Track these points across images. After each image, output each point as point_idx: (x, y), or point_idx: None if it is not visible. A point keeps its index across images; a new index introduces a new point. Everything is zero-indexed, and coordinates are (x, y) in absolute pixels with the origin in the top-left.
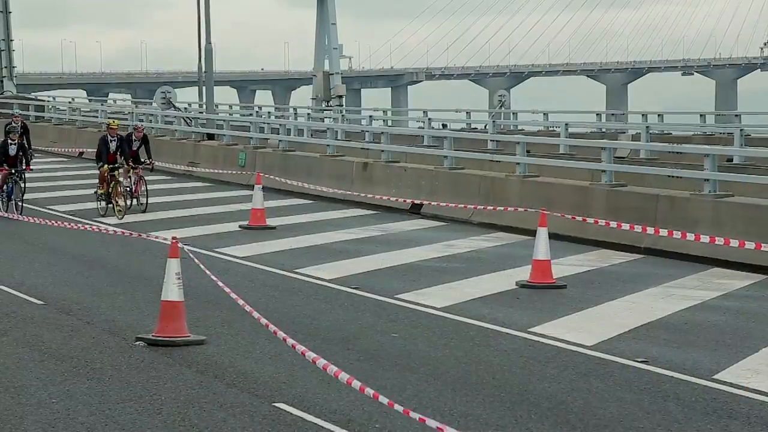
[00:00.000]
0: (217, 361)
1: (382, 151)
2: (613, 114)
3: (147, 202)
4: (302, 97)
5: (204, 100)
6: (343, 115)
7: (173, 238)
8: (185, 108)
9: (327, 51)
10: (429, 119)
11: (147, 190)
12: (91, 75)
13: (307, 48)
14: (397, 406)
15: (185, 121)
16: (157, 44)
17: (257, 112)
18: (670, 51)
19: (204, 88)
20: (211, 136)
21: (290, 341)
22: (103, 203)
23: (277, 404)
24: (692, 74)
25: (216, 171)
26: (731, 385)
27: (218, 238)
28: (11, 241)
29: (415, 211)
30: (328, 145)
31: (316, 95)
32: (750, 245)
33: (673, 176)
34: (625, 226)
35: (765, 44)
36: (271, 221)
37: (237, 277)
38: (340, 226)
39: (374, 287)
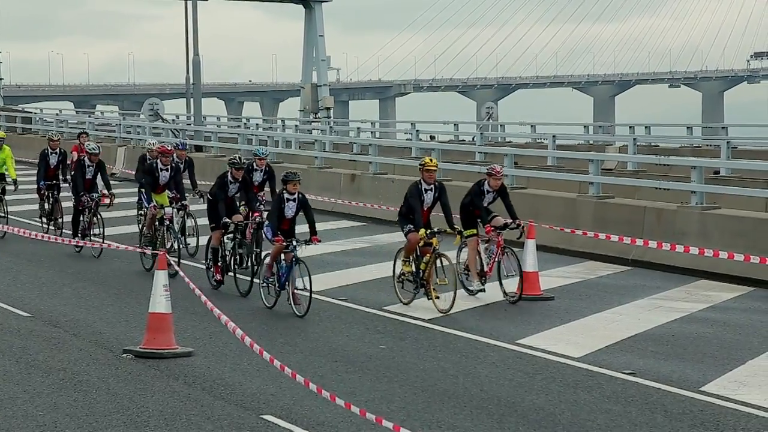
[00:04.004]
0: (205, 373)
1: (370, 162)
2: (600, 126)
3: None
4: (290, 108)
5: (192, 111)
6: (330, 127)
7: (161, 250)
8: (173, 120)
9: (315, 63)
10: (417, 131)
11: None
12: (78, 87)
13: (295, 60)
14: (385, 423)
15: (173, 132)
16: (145, 56)
17: (245, 124)
18: (657, 63)
19: (192, 99)
20: (199, 148)
21: (272, 358)
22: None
23: (264, 416)
24: (679, 86)
25: (203, 183)
26: (718, 397)
27: None
28: None
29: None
30: (316, 157)
31: (304, 107)
32: (739, 257)
33: (660, 188)
34: (613, 238)
35: (751, 57)
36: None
37: (225, 289)
38: (328, 238)
39: (362, 299)
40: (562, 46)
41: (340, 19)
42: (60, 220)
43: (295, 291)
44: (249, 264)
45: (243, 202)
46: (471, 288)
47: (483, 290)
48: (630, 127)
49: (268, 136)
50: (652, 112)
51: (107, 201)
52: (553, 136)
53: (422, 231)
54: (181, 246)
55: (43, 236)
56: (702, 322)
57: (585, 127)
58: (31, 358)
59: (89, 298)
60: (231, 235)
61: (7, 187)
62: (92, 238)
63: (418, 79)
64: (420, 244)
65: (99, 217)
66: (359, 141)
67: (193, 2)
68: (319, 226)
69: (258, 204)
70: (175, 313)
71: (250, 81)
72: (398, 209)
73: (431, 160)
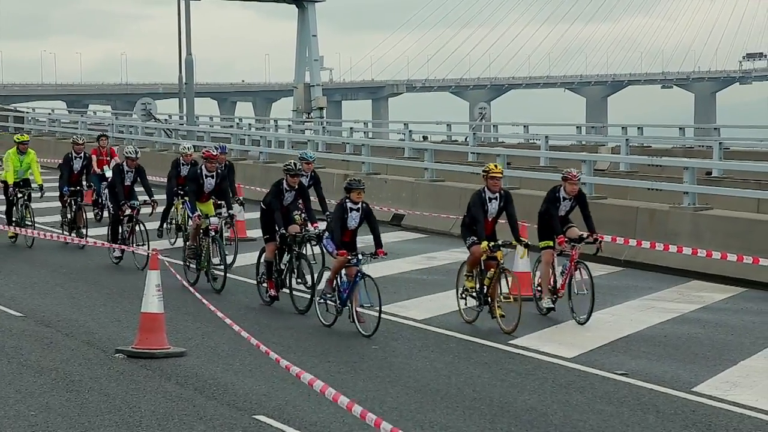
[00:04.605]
0: (197, 373)
1: (363, 163)
2: (593, 127)
3: (235, 258)
4: (283, 108)
5: (184, 111)
6: (323, 127)
7: (153, 250)
8: (166, 119)
9: (308, 63)
10: (410, 131)
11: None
12: (70, 86)
13: (288, 60)
14: (372, 421)
15: (166, 132)
16: (138, 56)
17: (238, 123)
18: (650, 64)
19: (185, 99)
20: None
21: (273, 355)
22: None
23: (257, 416)
24: (671, 87)
25: None
26: (710, 397)
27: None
28: None
29: (396, 222)
30: None
31: (297, 107)
32: (731, 258)
33: (652, 189)
34: (606, 239)
35: (743, 58)
36: (251, 233)
37: (210, 287)
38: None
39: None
40: (554, 46)
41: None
42: (83, 230)
43: (359, 309)
44: (308, 279)
45: (300, 212)
46: (541, 306)
47: (553, 309)
48: (622, 127)
49: (261, 136)
50: (645, 113)
51: (150, 209)
52: (546, 137)
53: (485, 244)
54: (226, 259)
55: (81, 241)
56: (694, 323)
57: (578, 127)
58: (23, 358)
59: (81, 297)
60: (287, 248)
61: (33, 194)
62: (136, 249)
63: (411, 80)
64: (483, 258)
65: (141, 226)
66: (352, 141)
67: (186, 2)
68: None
69: (300, 213)
70: (167, 313)
71: (242, 81)
72: (462, 219)
73: (496, 166)
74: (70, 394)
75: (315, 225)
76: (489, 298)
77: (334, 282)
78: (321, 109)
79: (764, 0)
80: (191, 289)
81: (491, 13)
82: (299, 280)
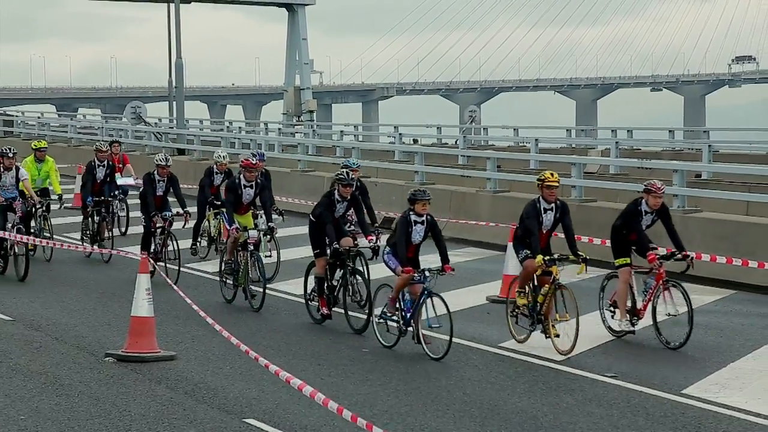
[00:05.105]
0: (188, 377)
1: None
2: (582, 129)
3: (276, 273)
4: (273, 112)
5: (175, 114)
6: (314, 130)
7: (143, 253)
8: (155, 123)
9: (298, 66)
10: (400, 134)
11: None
12: (60, 90)
13: (278, 63)
14: (375, 430)
15: (155, 136)
16: (128, 59)
17: (228, 127)
18: (639, 67)
19: (175, 102)
20: (181, 151)
21: (262, 360)
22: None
23: (247, 420)
24: (661, 90)
25: (186, 186)
26: (700, 399)
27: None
28: None
29: (386, 226)
30: (299, 160)
31: (287, 110)
32: (721, 260)
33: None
34: (596, 241)
35: (732, 61)
36: None
37: (207, 293)
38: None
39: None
40: (544, 49)
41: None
42: (107, 242)
43: (425, 330)
44: (363, 296)
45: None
46: (618, 328)
47: (633, 332)
48: (612, 130)
49: (251, 139)
50: (634, 116)
51: (183, 220)
52: (536, 140)
53: (540, 257)
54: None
55: (105, 251)
56: (683, 326)
57: (567, 130)
58: (13, 362)
59: (71, 301)
60: (339, 262)
61: (52, 204)
62: (168, 263)
63: (401, 83)
64: (537, 273)
65: (173, 239)
66: (342, 144)
67: (176, 5)
68: (302, 230)
69: (349, 225)
70: (157, 317)
71: (233, 84)
72: (515, 231)
73: (552, 174)
74: (60, 398)
75: (369, 238)
76: (543, 317)
77: (397, 301)
78: (311, 112)
79: (753, 3)
80: (182, 293)
81: (481, 16)
82: (353, 298)
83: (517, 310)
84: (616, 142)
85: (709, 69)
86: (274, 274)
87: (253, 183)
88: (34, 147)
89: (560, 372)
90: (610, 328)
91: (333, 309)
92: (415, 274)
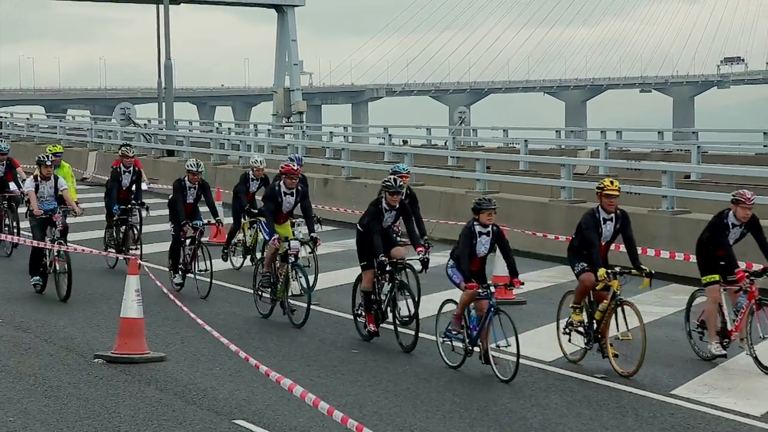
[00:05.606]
0: (177, 378)
1: (343, 167)
2: (572, 131)
3: (315, 283)
4: (263, 113)
5: (164, 116)
6: (303, 131)
7: (132, 255)
8: (145, 124)
9: (287, 67)
10: (389, 135)
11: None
12: (49, 91)
13: (268, 64)
14: (350, 422)
15: (145, 137)
16: (117, 60)
17: (217, 128)
18: (628, 68)
19: (164, 103)
20: (171, 153)
21: (252, 361)
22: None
23: (236, 421)
24: (650, 91)
25: (168, 187)
26: (689, 400)
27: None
28: None
29: None
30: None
31: (277, 111)
32: None
33: (631, 193)
34: None
35: (721, 62)
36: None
37: (240, 307)
38: None
39: (334, 303)
40: (534, 50)
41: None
42: (134, 251)
43: (493, 350)
44: (410, 311)
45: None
46: (708, 351)
47: (724, 356)
48: (601, 131)
49: (241, 141)
50: (624, 117)
51: (215, 230)
52: (525, 141)
53: (603, 271)
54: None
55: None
56: (673, 326)
57: (557, 131)
58: (1, 363)
59: (60, 303)
60: (388, 276)
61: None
62: (198, 275)
63: (391, 84)
64: (598, 287)
65: (204, 249)
66: (332, 145)
67: (165, 6)
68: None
69: (396, 236)
70: (146, 318)
71: (222, 85)
72: (570, 242)
73: (612, 182)
74: (49, 400)
75: (419, 249)
76: (600, 335)
77: (462, 318)
78: (300, 113)
79: (742, 4)
80: (173, 297)
81: (471, 17)
82: (399, 314)
83: (570, 327)
84: (606, 143)
85: (698, 70)
86: (312, 286)
87: (294, 190)
88: (49, 152)
89: (549, 373)
90: (698, 352)
91: (381, 325)
92: (480, 290)
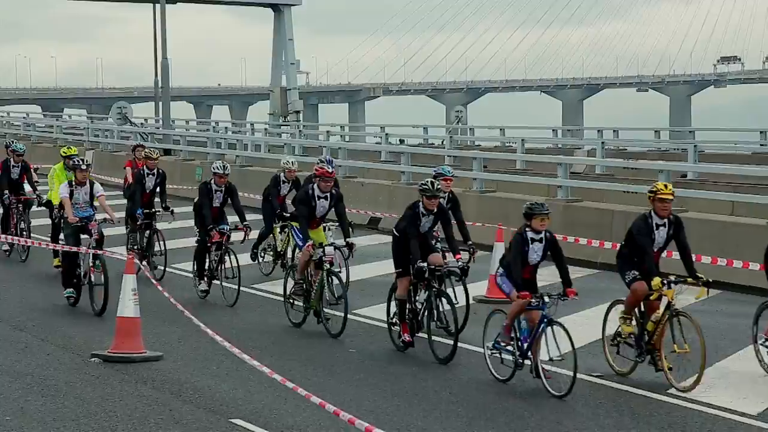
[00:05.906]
0: (174, 378)
1: (340, 166)
2: (569, 130)
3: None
4: (259, 112)
5: (161, 115)
6: (300, 131)
7: (129, 253)
8: (141, 123)
9: (284, 66)
10: (386, 135)
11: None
12: (46, 90)
13: (265, 63)
14: (358, 422)
15: (141, 136)
16: (113, 60)
17: (214, 127)
18: (625, 67)
19: (161, 103)
20: (167, 152)
21: (247, 359)
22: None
23: (233, 420)
24: (647, 91)
25: (172, 186)
26: (685, 399)
27: (180, 253)
28: None
29: (373, 226)
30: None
31: (274, 110)
32: (706, 260)
33: (628, 192)
34: (582, 241)
35: (718, 61)
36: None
37: (194, 293)
38: None
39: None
40: (530, 50)
41: (310, 23)
42: (154, 259)
43: (546, 365)
44: (449, 321)
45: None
46: None
47: None
48: (598, 130)
49: (237, 140)
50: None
51: (243, 235)
52: (522, 140)
53: (657, 280)
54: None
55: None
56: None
57: (554, 130)
58: None
59: (57, 301)
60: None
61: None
62: (226, 281)
63: (388, 83)
64: (652, 297)
65: (231, 255)
66: (329, 144)
67: (162, 5)
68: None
69: (435, 242)
70: (143, 317)
71: (219, 84)
72: (618, 249)
73: (666, 186)
74: (46, 399)
75: (458, 256)
76: (653, 347)
77: (512, 329)
78: (297, 112)
79: (738, 4)
80: (166, 293)
81: (467, 17)
82: (438, 324)
83: (619, 339)
84: (602, 143)
85: (695, 69)
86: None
87: (328, 194)
88: (63, 154)
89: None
90: (765, 368)
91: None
92: (533, 300)
